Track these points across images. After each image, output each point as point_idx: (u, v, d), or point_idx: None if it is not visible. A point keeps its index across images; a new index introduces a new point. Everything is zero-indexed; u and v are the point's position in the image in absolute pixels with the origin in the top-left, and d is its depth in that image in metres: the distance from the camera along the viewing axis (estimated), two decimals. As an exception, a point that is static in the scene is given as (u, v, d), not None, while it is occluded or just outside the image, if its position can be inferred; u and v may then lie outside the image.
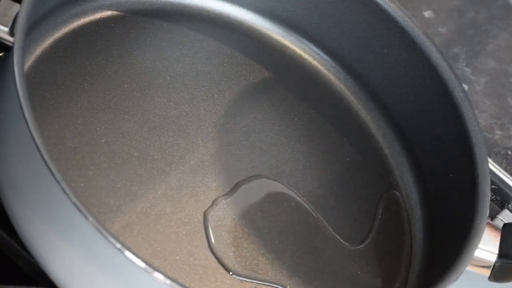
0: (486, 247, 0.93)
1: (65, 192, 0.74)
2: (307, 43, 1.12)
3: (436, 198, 1.03)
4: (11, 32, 0.85)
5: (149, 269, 0.74)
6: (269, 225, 0.94)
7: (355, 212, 1.00)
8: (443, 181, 1.02)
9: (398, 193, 1.05)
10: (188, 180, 0.94)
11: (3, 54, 0.87)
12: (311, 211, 0.97)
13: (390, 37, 1.05)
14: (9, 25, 0.85)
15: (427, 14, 1.39)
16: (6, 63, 0.83)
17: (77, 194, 0.75)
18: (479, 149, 0.97)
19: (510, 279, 0.96)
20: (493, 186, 1.13)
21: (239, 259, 0.91)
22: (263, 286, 0.90)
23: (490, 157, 1.06)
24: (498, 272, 0.94)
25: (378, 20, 1.05)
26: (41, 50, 0.94)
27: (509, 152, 1.26)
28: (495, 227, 0.94)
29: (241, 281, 0.90)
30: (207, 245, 0.90)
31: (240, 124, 1.01)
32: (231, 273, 0.90)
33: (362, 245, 0.98)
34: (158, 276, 0.75)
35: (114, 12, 1.03)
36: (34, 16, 0.86)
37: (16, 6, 0.86)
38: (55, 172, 0.75)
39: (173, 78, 1.01)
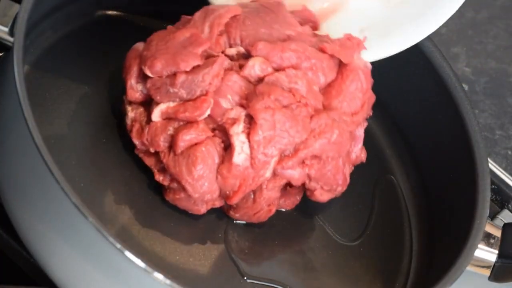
0: (486, 247, 0.93)
1: (65, 192, 0.74)
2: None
3: (436, 198, 1.03)
4: (11, 32, 0.85)
5: (149, 269, 0.74)
6: (270, 228, 0.94)
7: (354, 211, 1.00)
8: (443, 181, 1.02)
9: (397, 193, 1.05)
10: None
11: (3, 54, 0.87)
12: (310, 211, 0.97)
13: (390, 37, 1.05)
14: (9, 25, 0.85)
15: (427, 14, 1.39)
16: (6, 63, 0.83)
17: (77, 194, 0.75)
18: (479, 149, 0.97)
19: (510, 279, 0.96)
20: (493, 186, 1.13)
21: (248, 262, 0.91)
22: (265, 286, 0.91)
23: (490, 157, 1.07)
24: (498, 272, 0.94)
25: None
26: (41, 50, 0.94)
27: (509, 152, 1.26)
28: (495, 227, 0.94)
29: (251, 283, 0.90)
30: (223, 249, 0.91)
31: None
32: (245, 277, 0.90)
33: (360, 243, 0.98)
34: (158, 276, 0.75)
35: (114, 12, 1.03)
36: (34, 16, 0.86)
37: (16, 6, 0.86)
38: (55, 172, 0.75)
39: (173, 78, 1.01)
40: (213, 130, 0.87)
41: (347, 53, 0.92)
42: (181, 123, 0.86)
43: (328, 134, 0.88)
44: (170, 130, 0.86)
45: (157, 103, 0.88)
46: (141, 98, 0.90)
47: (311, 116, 0.88)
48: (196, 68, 0.87)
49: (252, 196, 0.89)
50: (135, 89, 0.90)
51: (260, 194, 0.89)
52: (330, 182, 0.92)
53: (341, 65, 0.92)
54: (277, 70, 0.88)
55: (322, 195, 0.93)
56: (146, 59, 0.88)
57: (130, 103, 0.91)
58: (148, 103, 0.90)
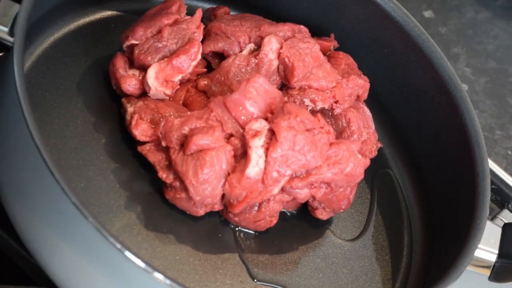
0: (486, 247, 0.93)
1: (65, 192, 0.74)
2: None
3: (436, 198, 1.03)
4: (11, 32, 0.85)
5: (149, 269, 0.75)
6: (272, 228, 0.94)
7: (355, 211, 1.00)
8: (443, 181, 1.02)
9: (397, 193, 1.05)
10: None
11: (3, 54, 0.87)
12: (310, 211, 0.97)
13: (390, 37, 1.05)
14: (9, 25, 0.85)
15: (427, 14, 1.39)
16: (6, 63, 0.83)
17: (77, 194, 0.75)
18: (479, 149, 0.97)
19: (510, 279, 0.96)
20: (493, 186, 1.13)
21: (251, 263, 0.91)
22: (263, 286, 0.91)
23: (490, 157, 1.07)
24: (498, 272, 0.94)
25: (378, 20, 1.05)
26: (41, 50, 0.94)
27: (509, 152, 1.26)
28: (495, 227, 0.94)
29: (253, 284, 0.90)
30: (223, 249, 0.91)
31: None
32: (255, 280, 0.90)
33: (361, 242, 0.98)
34: (158, 276, 0.75)
35: (114, 12, 1.03)
36: (34, 16, 0.86)
37: (16, 6, 0.86)
38: (55, 172, 0.75)
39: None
40: (229, 137, 0.88)
41: None
42: (198, 125, 0.87)
43: (342, 166, 0.90)
44: (185, 130, 0.87)
45: (149, 67, 0.91)
46: (137, 89, 0.92)
47: (330, 143, 0.89)
48: (177, 21, 0.94)
49: (257, 205, 0.90)
50: (127, 76, 0.91)
51: (267, 205, 0.90)
52: (333, 206, 0.94)
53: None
54: None
55: (322, 214, 0.95)
56: (127, 35, 0.93)
57: (129, 100, 0.92)
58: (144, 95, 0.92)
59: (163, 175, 0.88)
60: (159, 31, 0.92)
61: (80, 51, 0.97)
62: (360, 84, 0.98)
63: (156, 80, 0.90)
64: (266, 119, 0.88)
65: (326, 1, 1.06)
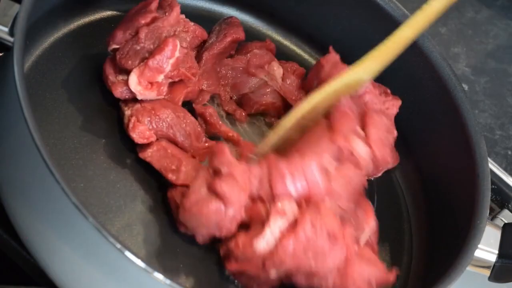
0: (486, 247, 0.93)
1: (65, 192, 0.74)
2: (308, 44, 1.13)
3: (436, 198, 1.03)
4: (11, 32, 0.85)
5: (149, 269, 0.75)
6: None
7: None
8: (443, 181, 1.02)
9: (397, 193, 1.05)
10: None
11: (3, 54, 0.87)
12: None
13: (390, 37, 1.05)
14: (9, 25, 0.85)
15: (427, 14, 1.39)
16: (6, 63, 0.83)
17: (77, 194, 0.75)
18: (479, 149, 0.97)
19: (510, 279, 0.96)
20: (493, 186, 1.13)
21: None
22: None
23: (490, 157, 1.07)
24: (498, 272, 0.94)
25: (378, 20, 1.05)
26: (41, 50, 0.94)
27: (509, 152, 1.26)
28: (495, 227, 0.94)
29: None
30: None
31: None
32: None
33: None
34: (158, 276, 0.75)
35: (114, 12, 1.03)
36: (34, 16, 0.86)
37: (16, 6, 0.86)
38: (55, 172, 0.75)
39: (173, 78, 1.01)
40: (257, 199, 0.86)
41: None
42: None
43: (345, 283, 0.86)
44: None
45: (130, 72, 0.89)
46: (129, 93, 0.90)
47: (345, 258, 0.86)
48: (155, 19, 0.91)
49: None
50: (117, 83, 0.90)
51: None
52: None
53: None
54: None
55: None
56: (108, 40, 0.92)
57: (126, 103, 0.92)
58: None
59: (172, 177, 0.88)
60: (137, 32, 0.91)
61: (80, 51, 0.97)
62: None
63: (139, 85, 0.89)
64: (299, 205, 0.86)
65: (327, 2, 1.06)
